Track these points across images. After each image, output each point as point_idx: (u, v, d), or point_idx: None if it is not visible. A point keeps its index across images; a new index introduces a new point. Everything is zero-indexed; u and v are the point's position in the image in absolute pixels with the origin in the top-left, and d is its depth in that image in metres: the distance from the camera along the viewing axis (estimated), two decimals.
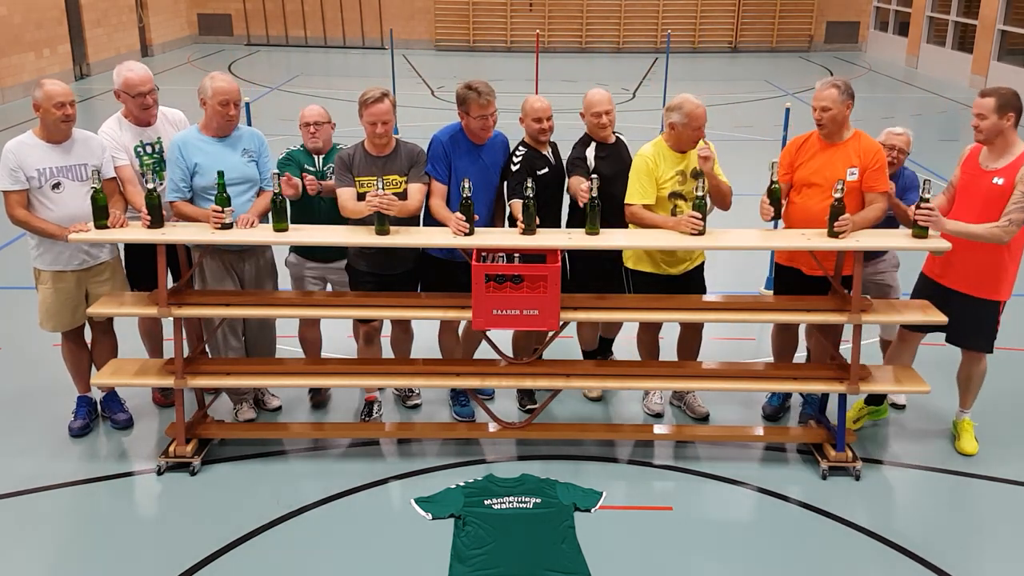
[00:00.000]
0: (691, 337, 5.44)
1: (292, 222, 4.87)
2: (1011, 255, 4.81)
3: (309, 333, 5.51)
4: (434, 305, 4.96)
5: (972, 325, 4.91)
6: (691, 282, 5.19)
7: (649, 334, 5.46)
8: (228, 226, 4.67)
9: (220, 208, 4.62)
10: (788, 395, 5.54)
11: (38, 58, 16.40)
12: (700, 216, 4.68)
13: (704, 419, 5.44)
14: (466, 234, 4.64)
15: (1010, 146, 4.72)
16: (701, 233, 4.71)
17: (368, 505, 4.64)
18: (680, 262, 5.12)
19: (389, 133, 4.89)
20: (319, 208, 5.05)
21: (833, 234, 4.64)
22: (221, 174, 4.63)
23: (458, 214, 4.66)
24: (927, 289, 5.03)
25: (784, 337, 5.44)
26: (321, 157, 5.15)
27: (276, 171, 4.82)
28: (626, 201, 4.93)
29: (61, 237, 4.72)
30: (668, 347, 5.66)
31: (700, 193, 4.69)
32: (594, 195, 4.68)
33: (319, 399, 5.56)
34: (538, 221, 4.72)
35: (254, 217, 4.79)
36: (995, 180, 4.68)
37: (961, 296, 4.89)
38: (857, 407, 5.36)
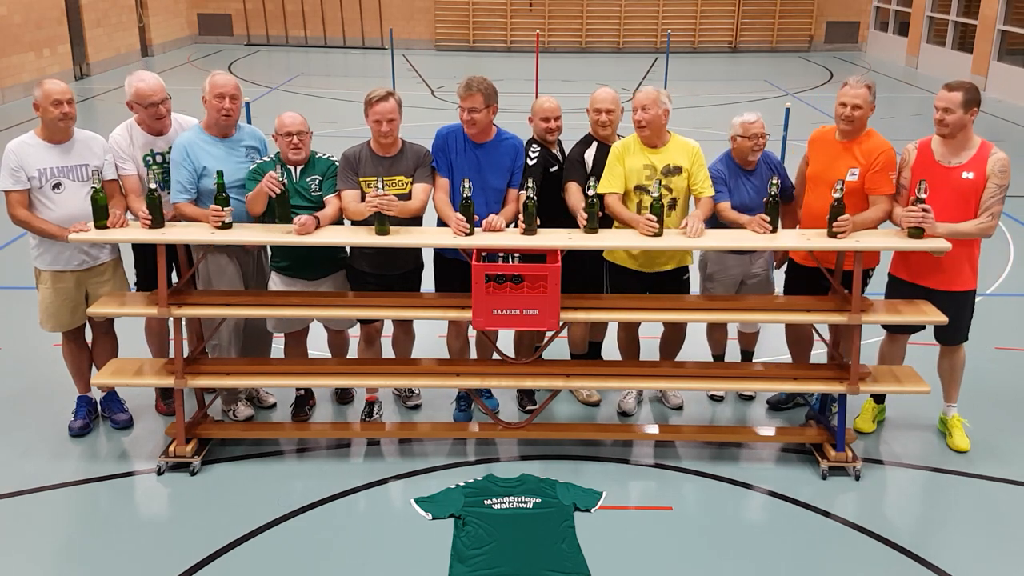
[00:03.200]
0: (673, 337, 5.46)
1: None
2: (976, 244, 4.91)
3: (337, 339, 5.46)
4: (435, 305, 4.97)
5: (956, 319, 4.91)
6: (668, 283, 5.16)
7: (628, 333, 5.46)
8: (228, 226, 4.66)
9: (220, 208, 4.62)
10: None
11: (38, 58, 16.40)
12: (655, 219, 4.65)
13: (678, 409, 5.48)
14: (466, 234, 4.64)
15: (970, 140, 4.78)
16: (658, 235, 4.68)
17: (368, 505, 4.64)
18: (654, 262, 5.10)
19: (394, 132, 4.86)
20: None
21: (832, 234, 4.64)
22: (220, 174, 4.62)
23: (458, 214, 4.65)
24: (902, 291, 5.04)
25: (796, 334, 5.48)
26: (299, 168, 4.87)
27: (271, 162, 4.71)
28: (598, 190, 4.89)
29: (62, 237, 4.72)
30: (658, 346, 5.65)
31: (655, 194, 4.65)
32: (589, 195, 4.68)
33: (346, 398, 5.60)
34: (538, 221, 4.72)
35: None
36: (965, 175, 4.73)
37: (941, 293, 4.91)
38: (872, 408, 5.36)
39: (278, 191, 4.61)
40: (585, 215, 4.72)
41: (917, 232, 4.63)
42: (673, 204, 4.95)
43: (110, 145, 4.99)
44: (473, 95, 4.82)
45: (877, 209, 4.84)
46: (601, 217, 4.78)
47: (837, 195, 4.60)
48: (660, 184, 4.68)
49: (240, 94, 4.95)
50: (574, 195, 4.95)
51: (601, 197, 4.75)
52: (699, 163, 4.97)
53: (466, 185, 4.58)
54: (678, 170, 4.94)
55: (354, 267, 5.11)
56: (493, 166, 5.00)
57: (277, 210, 4.69)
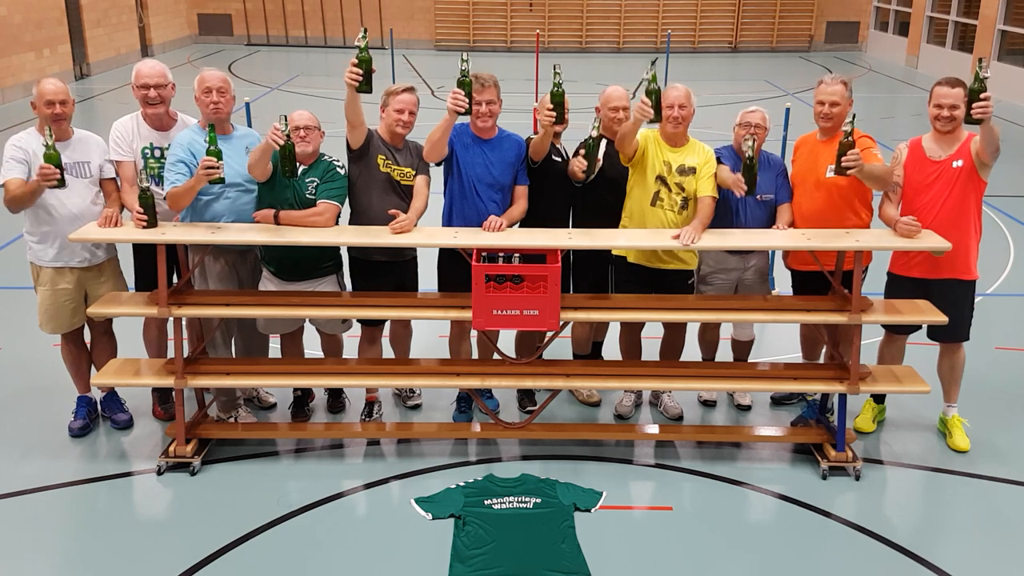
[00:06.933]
0: (673, 341, 5.46)
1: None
2: (977, 234, 4.95)
3: (331, 343, 5.43)
4: (435, 305, 4.97)
5: (956, 312, 4.91)
6: (672, 284, 5.16)
7: (631, 336, 5.46)
8: (220, 180, 4.55)
9: (214, 161, 4.46)
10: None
11: (38, 58, 16.40)
12: (650, 103, 4.62)
13: (678, 419, 5.45)
14: (464, 111, 4.62)
15: (961, 132, 4.88)
16: (654, 120, 4.68)
17: (368, 505, 4.65)
18: (657, 257, 5.10)
19: (411, 125, 4.98)
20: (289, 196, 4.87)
21: (841, 170, 4.59)
22: (212, 127, 4.58)
23: (456, 90, 4.61)
24: (903, 288, 5.05)
25: (810, 334, 5.55)
26: (303, 168, 4.83)
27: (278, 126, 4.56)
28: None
29: (38, 184, 4.58)
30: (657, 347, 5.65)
31: (646, 76, 4.67)
32: (594, 134, 4.70)
33: (337, 406, 5.54)
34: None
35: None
36: (955, 164, 4.81)
37: (943, 284, 4.93)
38: (872, 408, 5.37)
39: (282, 143, 4.50)
40: (584, 160, 4.71)
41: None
42: (685, 204, 4.96)
43: (112, 133, 4.97)
44: (488, 88, 4.92)
45: (879, 165, 4.83)
46: (597, 217, 4.78)
47: (847, 127, 4.56)
48: (654, 64, 4.66)
49: (229, 87, 4.88)
50: (575, 162, 4.95)
51: (599, 141, 4.75)
52: (709, 165, 4.97)
53: (464, 57, 4.58)
54: (692, 170, 4.95)
55: (358, 258, 5.11)
56: (500, 162, 5.03)
57: (281, 165, 4.60)
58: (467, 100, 4.59)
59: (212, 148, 4.52)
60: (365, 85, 4.57)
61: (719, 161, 5.04)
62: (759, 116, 5.09)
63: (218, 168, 4.49)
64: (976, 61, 4.54)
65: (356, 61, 4.53)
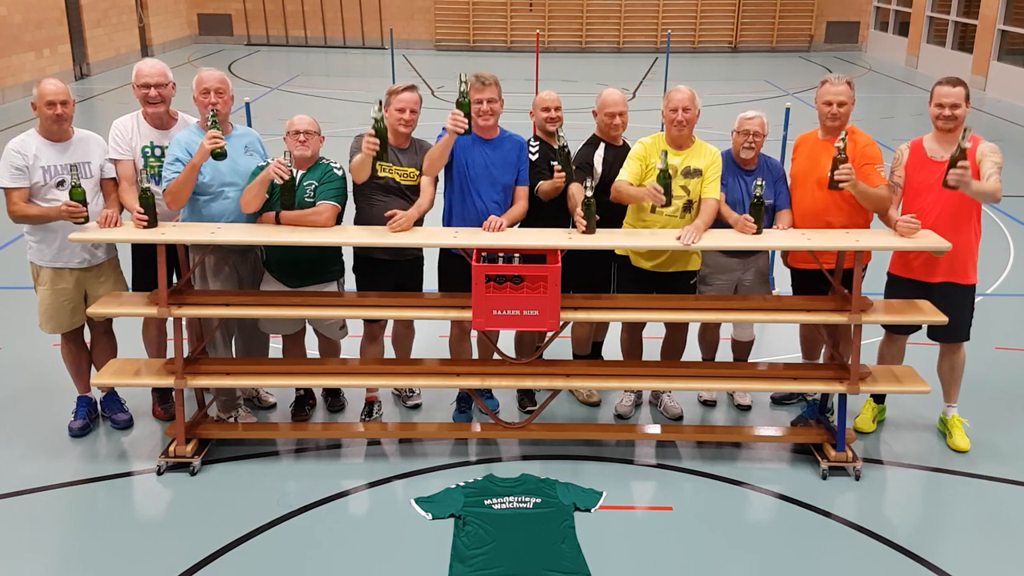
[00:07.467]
0: (675, 340, 5.47)
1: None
2: (976, 238, 4.95)
3: (328, 347, 5.43)
4: (436, 305, 4.97)
5: (956, 314, 4.91)
6: (675, 285, 5.17)
7: (632, 335, 5.46)
8: (223, 153, 4.58)
9: (219, 132, 4.56)
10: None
11: (38, 58, 16.40)
12: (663, 189, 4.62)
13: (678, 419, 5.45)
14: (464, 132, 4.63)
15: (961, 132, 4.81)
16: (667, 205, 4.72)
17: (368, 505, 4.65)
18: (657, 258, 5.10)
19: (414, 123, 4.98)
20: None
21: (834, 184, 4.64)
22: (214, 112, 4.63)
23: (455, 111, 4.64)
24: (903, 289, 5.05)
25: (810, 334, 5.57)
26: (300, 172, 4.85)
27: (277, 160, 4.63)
28: (615, 181, 4.95)
29: (63, 215, 4.65)
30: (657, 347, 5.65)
31: (661, 166, 4.65)
32: (589, 194, 4.69)
33: (336, 405, 5.54)
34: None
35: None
36: None
37: (942, 287, 4.94)
38: (872, 408, 5.37)
39: (286, 177, 4.55)
40: (583, 220, 4.72)
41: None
42: (688, 206, 4.95)
43: (111, 132, 4.97)
44: (489, 87, 4.92)
45: (881, 188, 4.86)
46: (599, 220, 4.79)
47: (840, 144, 4.60)
48: (666, 155, 4.67)
49: (227, 88, 4.88)
50: (575, 196, 4.96)
51: (596, 198, 4.75)
52: (715, 167, 4.97)
53: (463, 78, 4.61)
54: (697, 173, 4.94)
55: (365, 256, 5.11)
56: (501, 162, 5.03)
57: (281, 197, 4.63)
58: (467, 121, 4.63)
59: (213, 121, 4.58)
60: (383, 152, 4.65)
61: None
62: (757, 123, 5.06)
63: (222, 139, 4.54)
64: (962, 131, 4.54)
65: (373, 132, 4.57)
